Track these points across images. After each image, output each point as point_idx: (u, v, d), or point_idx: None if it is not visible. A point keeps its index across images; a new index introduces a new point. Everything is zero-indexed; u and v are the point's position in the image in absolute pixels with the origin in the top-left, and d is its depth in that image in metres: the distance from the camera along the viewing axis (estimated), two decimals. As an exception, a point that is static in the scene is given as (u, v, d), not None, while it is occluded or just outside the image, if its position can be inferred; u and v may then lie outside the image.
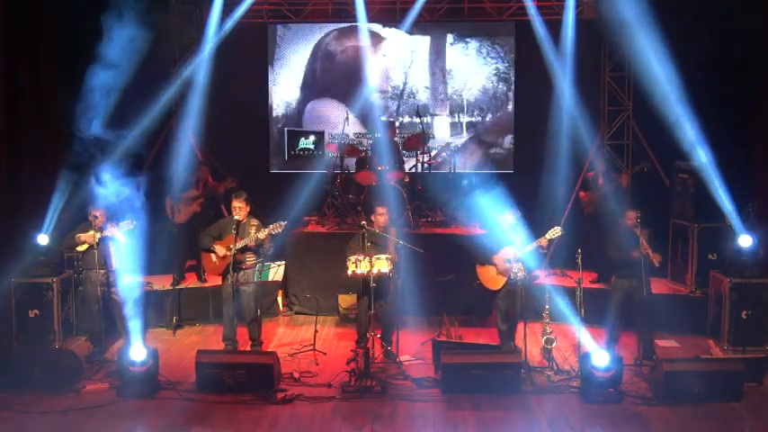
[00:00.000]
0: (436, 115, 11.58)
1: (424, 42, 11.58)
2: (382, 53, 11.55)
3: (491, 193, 8.13)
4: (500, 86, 11.57)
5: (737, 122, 9.74)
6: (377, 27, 11.42)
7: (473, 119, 11.66)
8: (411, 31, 11.33)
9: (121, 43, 8.50)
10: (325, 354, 8.22)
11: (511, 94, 11.57)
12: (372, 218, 8.23)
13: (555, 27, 10.69)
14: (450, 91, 11.63)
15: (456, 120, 11.64)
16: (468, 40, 11.54)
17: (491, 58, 11.55)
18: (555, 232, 7.71)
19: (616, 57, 10.82)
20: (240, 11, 10.69)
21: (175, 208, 9.60)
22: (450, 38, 11.55)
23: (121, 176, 7.84)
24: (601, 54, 11.07)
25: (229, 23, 10.68)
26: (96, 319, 7.91)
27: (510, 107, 11.58)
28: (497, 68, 11.55)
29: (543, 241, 7.69)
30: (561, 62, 10.55)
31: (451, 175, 10.79)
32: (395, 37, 11.50)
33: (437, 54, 11.58)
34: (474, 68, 11.58)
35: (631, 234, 7.61)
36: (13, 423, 6.48)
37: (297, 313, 9.90)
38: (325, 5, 11.34)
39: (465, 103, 11.63)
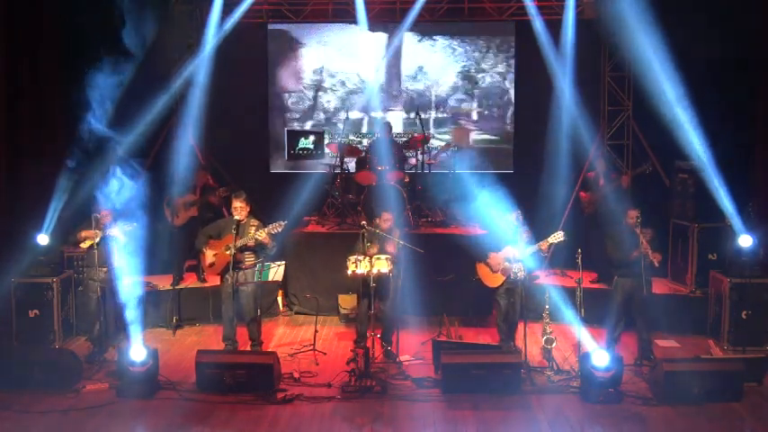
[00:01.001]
0: (390, 110, 11.58)
1: (382, 39, 11.55)
2: (297, 55, 11.65)
3: (491, 193, 8.13)
4: (466, 84, 11.59)
5: (737, 122, 9.73)
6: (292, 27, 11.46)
7: (441, 115, 11.68)
8: (371, 28, 11.24)
9: (122, 43, 8.51)
10: (325, 354, 8.22)
11: (476, 92, 11.60)
12: (377, 221, 8.18)
13: (555, 27, 10.69)
14: (422, 87, 11.62)
15: (426, 116, 11.63)
16: (435, 38, 11.56)
17: (458, 56, 11.56)
18: (557, 237, 7.71)
19: (616, 57, 10.81)
20: (240, 11, 10.68)
21: (173, 212, 9.58)
22: (410, 36, 11.52)
23: (124, 176, 7.85)
24: (601, 54, 11.07)
25: (229, 23, 10.67)
26: (96, 319, 7.92)
27: (471, 104, 11.61)
28: (464, 66, 11.57)
29: (544, 245, 7.71)
30: (561, 62, 10.54)
31: (451, 175, 10.78)
32: (356, 34, 11.36)
33: (394, 51, 11.56)
34: (442, 66, 11.59)
35: (632, 233, 7.61)
36: (13, 423, 6.48)
37: (297, 313, 9.90)
38: (325, 5, 11.34)
39: (433, 99, 11.65)
